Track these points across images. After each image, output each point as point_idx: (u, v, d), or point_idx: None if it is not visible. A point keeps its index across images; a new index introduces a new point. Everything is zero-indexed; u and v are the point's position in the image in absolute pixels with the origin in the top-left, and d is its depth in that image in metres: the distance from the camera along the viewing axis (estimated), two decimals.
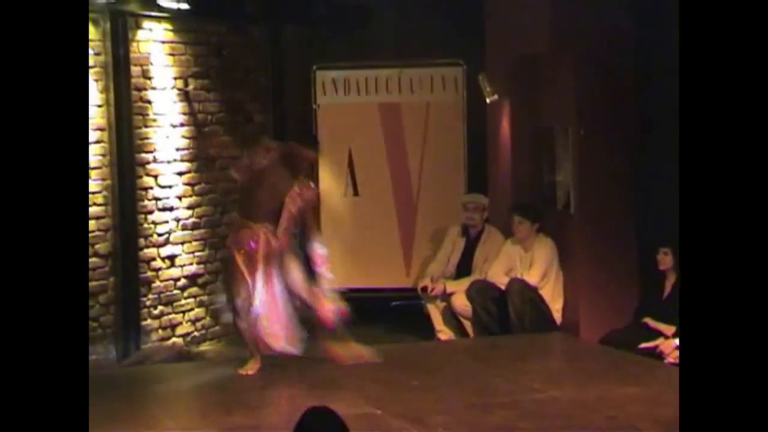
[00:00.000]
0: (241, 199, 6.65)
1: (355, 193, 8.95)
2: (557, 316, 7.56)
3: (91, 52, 7.19)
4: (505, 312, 7.53)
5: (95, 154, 7.27)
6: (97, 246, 7.31)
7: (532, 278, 7.51)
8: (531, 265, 7.59)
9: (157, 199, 7.78)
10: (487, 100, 8.40)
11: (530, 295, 7.46)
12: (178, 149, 7.94)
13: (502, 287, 7.58)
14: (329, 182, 8.90)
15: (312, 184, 6.46)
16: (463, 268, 8.10)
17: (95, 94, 7.25)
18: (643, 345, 6.61)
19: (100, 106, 7.29)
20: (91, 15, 7.18)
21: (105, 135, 7.35)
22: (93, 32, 7.22)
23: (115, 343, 7.42)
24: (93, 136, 7.24)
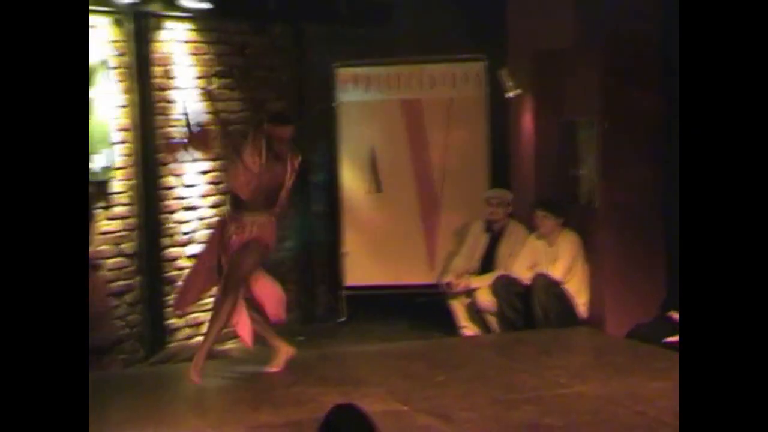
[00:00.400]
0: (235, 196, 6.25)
1: (378, 189, 8.95)
2: (582, 310, 7.54)
3: (115, 53, 7.24)
4: (530, 307, 7.53)
5: (120, 154, 7.32)
6: (122, 246, 7.36)
7: (556, 273, 7.50)
8: (556, 259, 7.58)
9: (180, 198, 7.82)
10: (510, 95, 8.39)
11: (555, 289, 7.45)
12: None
13: (527, 282, 7.58)
14: (352, 179, 8.91)
15: (298, 155, 6.35)
16: (487, 264, 8.10)
17: (119, 95, 7.29)
18: (670, 339, 6.57)
19: (124, 106, 7.33)
20: (114, 16, 7.23)
21: (129, 135, 7.39)
22: (117, 33, 7.27)
23: (141, 341, 7.47)
24: (118, 136, 7.29)
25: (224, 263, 6.05)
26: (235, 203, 6.12)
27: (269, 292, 6.21)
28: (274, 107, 8.61)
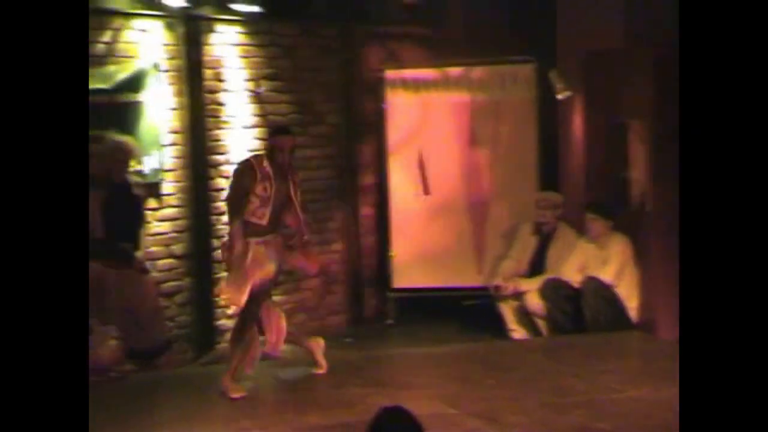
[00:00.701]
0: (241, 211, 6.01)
1: (426, 192, 8.93)
2: (633, 314, 7.46)
3: (166, 56, 7.31)
4: (580, 310, 7.47)
5: (171, 156, 7.38)
6: (172, 247, 7.42)
7: (607, 276, 7.43)
8: (606, 262, 7.50)
9: None
10: (559, 97, 8.33)
11: (605, 293, 7.38)
12: (250, 150, 8.00)
13: (577, 285, 7.52)
14: (400, 182, 8.90)
15: (298, 172, 6.29)
16: (536, 267, 8.04)
17: (170, 98, 7.35)
18: None
19: (175, 109, 7.39)
20: (166, 20, 7.30)
21: (180, 138, 7.45)
22: (168, 37, 7.34)
23: (190, 342, 7.53)
24: (168, 139, 7.35)
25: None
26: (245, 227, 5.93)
27: (275, 320, 6.15)
28: (322, 109, 8.65)
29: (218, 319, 7.73)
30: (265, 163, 5.92)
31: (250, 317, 5.96)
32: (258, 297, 5.91)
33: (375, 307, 9.10)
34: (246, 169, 5.98)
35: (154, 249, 7.23)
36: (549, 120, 8.75)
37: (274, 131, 6.25)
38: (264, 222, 5.91)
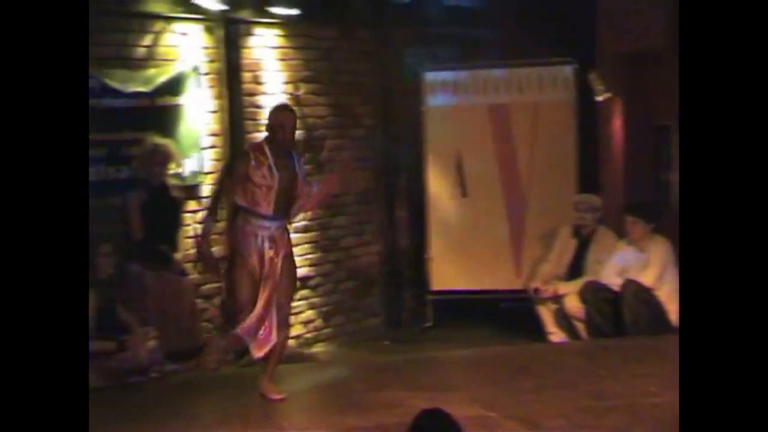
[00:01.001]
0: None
1: (464, 194, 8.91)
2: (673, 317, 7.38)
3: (205, 59, 7.36)
4: (619, 314, 7.41)
5: (210, 159, 7.42)
6: (212, 249, 7.44)
7: (647, 279, 7.36)
8: (646, 266, 7.44)
9: None
10: (599, 99, 8.28)
11: (645, 296, 7.32)
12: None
13: (616, 288, 7.46)
14: (438, 184, 8.89)
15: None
16: (575, 269, 8.00)
17: (209, 101, 7.40)
18: None
19: (214, 112, 7.44)
20: (206, 23, 7.35)
21: (219, 140, 7.50)
22: (208, 40, 7.39)
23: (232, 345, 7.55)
24: (207, 141, 7.40)
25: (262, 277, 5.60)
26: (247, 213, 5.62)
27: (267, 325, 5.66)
28: (359, 111, 8.66)
29: None
30: (266, 149, 5.58)
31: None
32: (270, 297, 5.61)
33: (413, 310, 9.10)
34: (240, 156, 5.76)
35: (192, 251, 7.27)
36: (588, 122, 8.70)
37: (273, 109, 5.92)
38: (269, 211, 5.55)
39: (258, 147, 5.67)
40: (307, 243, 8.22)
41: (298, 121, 7.96)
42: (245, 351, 5.86)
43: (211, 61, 7.42)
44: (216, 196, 5.81)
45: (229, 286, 5.64)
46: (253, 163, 5.53)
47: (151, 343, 6.46)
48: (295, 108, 6.12)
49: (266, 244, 5.58)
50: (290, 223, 5.95)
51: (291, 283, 5.76)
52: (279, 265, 5.60)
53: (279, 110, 5.87)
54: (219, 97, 7.47)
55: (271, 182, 5.53)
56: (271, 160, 5.56)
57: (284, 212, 5.69)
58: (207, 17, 7.36)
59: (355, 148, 8.61)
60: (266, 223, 5.59)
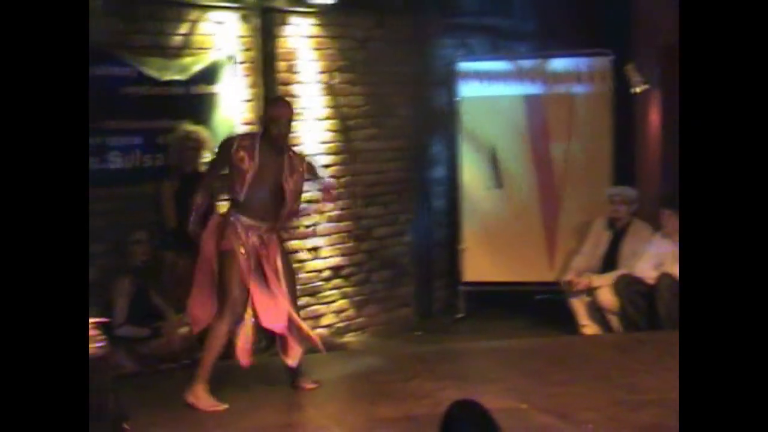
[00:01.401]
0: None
1: (499, 185, 8.88)
2: None
3: (240, 48, 7.37)
4: (653, 307, 7.35)
5: None
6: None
7: None
8: None
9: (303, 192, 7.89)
10: (636, 91, 8.21)
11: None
12: (322, 142, 8.05)
13: (651, 282, 7.41)
14: (472, 175, 8.86)
15: (304, 158, 5.85)
16: (609, 262, 7.95)
17: (245, 90, 7.42)
18: None
19: (249, 101, 7.45)
20: (242, 12, 7.37)
21: (253, 129, 7.50)
22: (243, 29, 7.40)
23: (262, 332, 7.57)
24: (242, 130, 7.41)
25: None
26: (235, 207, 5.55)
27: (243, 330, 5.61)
28: (394, 101, 8.64)
29: None
30: (255, 139, 5.48)
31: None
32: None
33: (445, 301, 9.09)
34: (224, 143, 5.64)
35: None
36: (625, 114, 8.63)
37: (269, 101, 5.85)
38: (240, 197, 5.44)
39: (248, 135, 5.64)
40: (339, 233, 8.23)
41: (333, 111, 8.05)
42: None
43: (247, 50, 7.44)
44: (204, 175, 5.85)
45: (220, 283, 5.53)
46: (234, 146, 5.45)
47: (185, 330, 6.49)
48: (290, 102, 6.03)
49: (254, 244, 5.48)
50: (282, 229, 5.89)
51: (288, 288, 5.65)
52: (268, 269, 5.51)
53: (274, 104, 5.80)
54: (254, 86, 7.48)
55: (248, 167, 5.40)
56: (256, 148, 5.44)
57: (272, 214, 5.54)
58: (243, 6, 7.37)
59: (389, 137, 8.60)
60: (253, 222, 5.49)
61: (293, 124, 5.78)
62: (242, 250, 5.46)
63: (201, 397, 5.46)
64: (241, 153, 5.42)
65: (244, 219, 5.50)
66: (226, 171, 5.61)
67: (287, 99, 6.44)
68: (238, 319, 5.52)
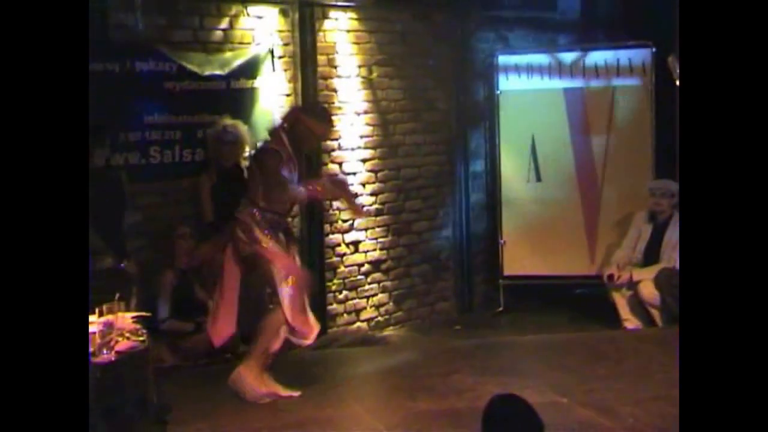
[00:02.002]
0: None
1: (538, 179, 8.83)
2: None
3: (279, 42, 7.39)
4: None
5: None
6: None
7: None
8: None
9: None
10: (677, 83, 8.11)
11: None
12: (362, 136, 8.05)
13: None
14: (512, 168, 8.82)
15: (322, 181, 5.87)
16: (651, 256, 7.88)
17: (284, 84, 7.43)
18: None
19: (288, 95, 7.47)
20: (280, 6, 7.38)
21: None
22: (282, 23, 7.42)
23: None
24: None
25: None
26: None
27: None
28: (433, 95, 8.62)
29: (330, 304, 7.81)
30: (284, 147, 5.44)
31: None
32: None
33: (485, 295, 9.06)
34: (265, 157, 5.52)
35: None
36: (666, 106, 8.53)
37: (317, 115, 5.65)
38: (284, 210, 5.60)
39: (281, 145, 5.48)
40: (379, 227, 8.24)
41: (372, 105, 8.04)
42: (318, 334, 5.91)
43: (286, 45, 7.45)
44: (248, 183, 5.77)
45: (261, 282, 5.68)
46: (284, 156, 5.43)
47: None
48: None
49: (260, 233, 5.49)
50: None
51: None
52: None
53: (326, 120, 5.70)
54: (293, 80, 7.50)
55: (291, 178, 5.44)
56: (292, 158, 5.45)
57: (285, 207, 5.68)
58: (282, 0, 7.39)
59: (428, 131, 8.58)
60: (280, 227, 5.59)
61: None
62: (267, 245, 5.48)
63: (256, 383, 5.52)
64: (286, 171, 5.44)
65: (268, 216, 5.51)
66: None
67: (330, 113, 6.37)
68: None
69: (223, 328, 5.66)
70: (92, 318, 4.27)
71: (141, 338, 4.43)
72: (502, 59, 8.79)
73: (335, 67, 7.82)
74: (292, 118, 5.66)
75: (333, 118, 5.92)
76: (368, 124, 8.10)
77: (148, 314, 4.92)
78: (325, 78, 7.74)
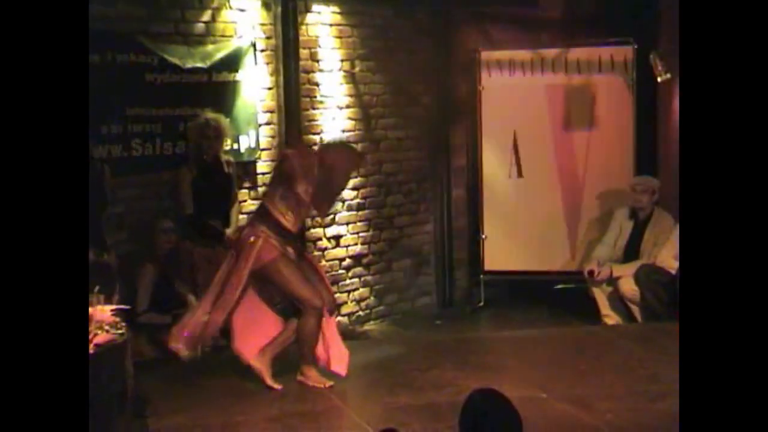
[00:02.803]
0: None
1: (520, 175, 8.84)
2: None
3: (262, 35, 7.37)
4: (675, 298, 7.31)
5: (265, 135, 7.45)
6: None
7: None
8: None
9: None
10: (660, 80, 8.15)
11: None
12: (344, 131, 8.04)
13: (673, 272, 7.37)
14: (493, 164, 8.83)
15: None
16: (631, 252, 7.91)
17: (266, 77, 7.42)
18: None
19: (270, 88, 7.45)
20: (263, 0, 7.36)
21: (274, 117, 7.52)
22: (264, 16, 7.40)
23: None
24: (263, 118, 7.42)
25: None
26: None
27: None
28: (415, 90, 8.61)
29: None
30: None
31: None
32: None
33: (465, 290, 9.07)
34: (304, 160, 5.64)
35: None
36: (647, 103, 8.57)
37: (343, 146, 6.09)
38: (294, 228, 5.67)
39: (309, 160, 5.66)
40: (361, 221, 8.24)
41: (354, 99, 8.04)
42: None
43: (268, 38, 7.44)
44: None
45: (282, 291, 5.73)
46: (305, 172, 5.55)
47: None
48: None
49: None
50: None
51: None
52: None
53: (356, 155, 6.13)
54: (275, 73, 7.48)
55: (308, 199, 5.58)
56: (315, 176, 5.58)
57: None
58: None
59: (410, 126, 8.58)
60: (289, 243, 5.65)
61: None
62: (285, 251, 5.59)
63: (310, 376, 5.67)
64: (310, 185, 5.55)
65: (282, 227, 5.60)
66: None
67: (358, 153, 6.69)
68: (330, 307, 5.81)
69: (252, 340, 5.75)
70: None
71: (120, 331, 4.41)
72: (485, 55, 8.79)
73: (317, 61, 7.81)
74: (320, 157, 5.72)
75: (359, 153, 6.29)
76: (350, 119, 8.10)
77: (128, 307, 4.90)
78: (308, 72, 7.72)
